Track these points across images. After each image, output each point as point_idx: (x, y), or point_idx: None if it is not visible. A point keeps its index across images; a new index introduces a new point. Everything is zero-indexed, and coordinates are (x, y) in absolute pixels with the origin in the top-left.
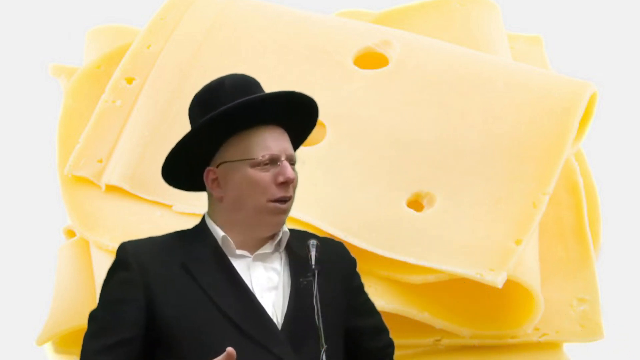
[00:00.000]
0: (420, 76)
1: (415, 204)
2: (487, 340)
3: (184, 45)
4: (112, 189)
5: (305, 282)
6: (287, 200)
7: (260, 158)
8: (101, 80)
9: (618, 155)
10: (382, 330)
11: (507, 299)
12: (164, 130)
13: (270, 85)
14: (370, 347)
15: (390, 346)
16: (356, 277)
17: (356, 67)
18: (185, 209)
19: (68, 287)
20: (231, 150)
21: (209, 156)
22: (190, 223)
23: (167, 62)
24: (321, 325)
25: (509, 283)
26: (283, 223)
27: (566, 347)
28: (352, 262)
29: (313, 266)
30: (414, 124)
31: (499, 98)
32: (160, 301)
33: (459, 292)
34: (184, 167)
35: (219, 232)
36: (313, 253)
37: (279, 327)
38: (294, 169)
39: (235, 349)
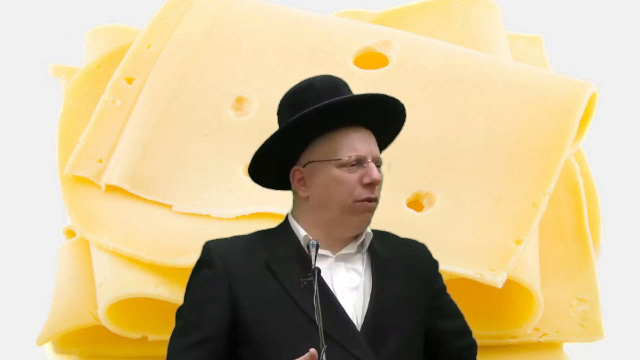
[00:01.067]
0: (420, 76)
1: (415, 204)
2: (487, 340)
3: (184, 45)
4: (112, 189)
5: (305, 282)
6: (372, 200)
7: (347, 159)
8: (101, 80)
9: (618, 155)
10: (465, 331)
11: (507, 299)
12: (164, 130)
13: (270, 85)
14: (452, 349)
15: (473, 347)
16: (438, 278)
17: (356, 67)
18: (185, 209)
19: (68, 287)
20: (318, 150)
21: (295, 156)
22: (190, 223)
23: (167, 62)
24: (321, 325)
25: (509, 283)
26: (368, 223)
27: (566, 347)
28: (434, 264)
29: (313, 266)
30: (414, 124)
31: (499, 98)
32: (243, 300)
33: (459, 292)
34: (271, 166)
35: (301, 232)
36: (313, 253)
37: (359, 327)
38: (379, 171)
39: (314, 348)
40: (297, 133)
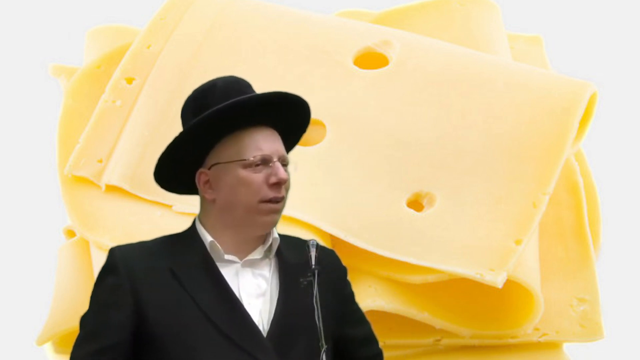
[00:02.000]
0: (420, 76)
1: (415, 204)
2: (487, 340)
3: (184, 45)
4: (112, 189)
5: (305, 283)
6: (279, 200)
7: (252, 159)
8: (101, 80)
9: (618, 155)
10: (372, 340)
11: (507, 299)
12: (164, 130)
13: (270, 85)
14: (359, 356)
15: (378, 356)
16: (347, 285)
17: (356, 67)
18: (185, 209)
19: (68, 287)
20: (223, 152)
21: (200, 158)
22: (190, 223)
23: (167, 62)
24: (321, 325)
25: (509, 283)
26: (275, 223)
27: (566, 347)
28: (343, 271)
29: (313, 266)
30: (414, 124)
31: (499, 98)
32: (147, 306)
33: (459, 292)
34: (176, 170)
35: (207, 237)
36: (313, 253)
37: (265, 333)
38: (286, 170)
39: (219, 355)
40: (200, 135)
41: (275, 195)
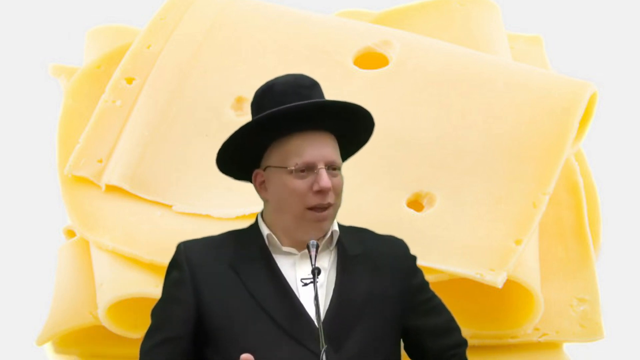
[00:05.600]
0: (420, 76)
1: (415, 204)
2: (487, 340)
3: (184, 45)
4: (112, 189)
5: (306, 282)
6: (324, 207)
7: (293, 167)
8: (101, 80)
9: (618, 155)
10: (448, 329)
11: (507, 299)
12: (164, 130)
13: None
14: (432, 347)
15: (458, 346)
16: (416, 274)
17: (356, 67)
18: (185, 209)
19: (68, 287)
20: (272, 156)
21: (257, 158)
22: (190, 223)
23: (167, 62)
24: (321, 325)
25: (509, 283)
26: (324, 230)
27: (566, 347)
28: (411, 260)
29: (313, 266)
30: (414, 124)
31: (499, 98)
32: (207, 299)
33: (459, 292)
34: (236, 164)
35: (265, 231)
36: (313, 253)
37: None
38: (338, 175)
39: (271, 344)
40: (251, 139)
41: (320, 203)
